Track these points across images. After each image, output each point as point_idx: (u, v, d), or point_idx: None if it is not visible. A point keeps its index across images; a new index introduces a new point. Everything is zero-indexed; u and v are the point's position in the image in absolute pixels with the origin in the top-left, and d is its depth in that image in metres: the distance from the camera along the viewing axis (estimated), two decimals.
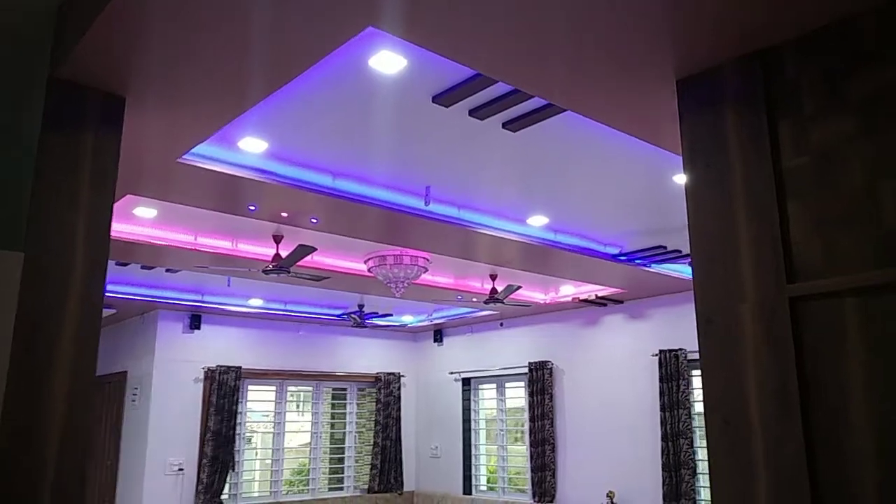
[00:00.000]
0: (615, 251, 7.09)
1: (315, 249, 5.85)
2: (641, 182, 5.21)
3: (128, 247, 6.16)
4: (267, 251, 6.63)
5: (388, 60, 3.43)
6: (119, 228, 5.98)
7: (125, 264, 7.20)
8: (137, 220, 5.88)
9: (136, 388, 9.60)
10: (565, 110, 3.91)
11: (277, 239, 6.38)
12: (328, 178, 5.07)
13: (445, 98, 3.72)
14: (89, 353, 3.01)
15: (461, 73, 3.59)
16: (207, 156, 4.49)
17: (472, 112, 3.89)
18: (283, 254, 6.27)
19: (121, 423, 9.80)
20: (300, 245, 5.80)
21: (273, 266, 6.30)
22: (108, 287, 8.44)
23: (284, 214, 5.41)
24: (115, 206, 5.58)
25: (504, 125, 4.06)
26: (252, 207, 5.23)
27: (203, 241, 6.52)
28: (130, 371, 9.86)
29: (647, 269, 7.39)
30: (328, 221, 5.61)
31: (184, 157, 4.33)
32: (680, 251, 6.87)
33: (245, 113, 3.98)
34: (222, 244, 6.65)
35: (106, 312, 9.14)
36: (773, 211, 2.89)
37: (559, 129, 4.35)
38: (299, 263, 6.85)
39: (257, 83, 3.36)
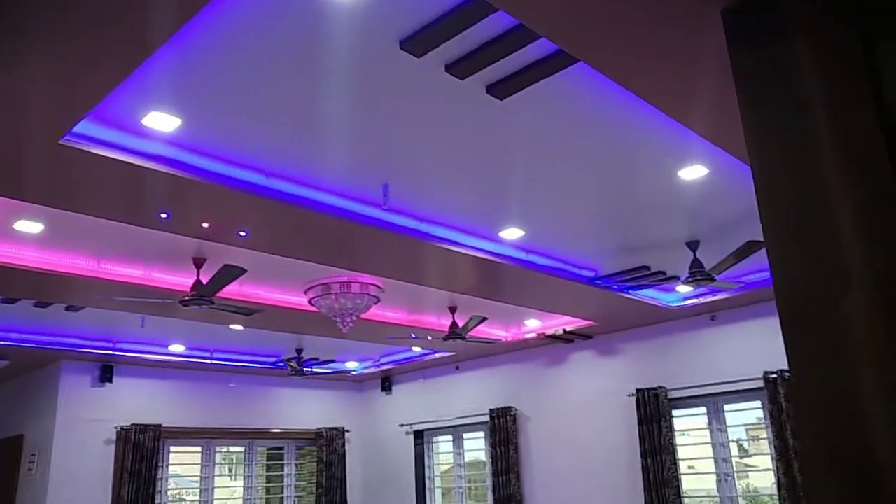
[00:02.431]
0: (590, 275, 6.27)
1: (244, 271, 4.82)
2: (636, 180, 4.42)
3: (8, 274, 4.98)
4: (187, 280, 5.53)
5: None
6: None
7: (13, 301, 5.97)
8: (19, 237, 4.74)
9: (33, 455, 8.16)
10: (560, 69, 3.09)
11: (199, 262, 5.32)
12: (259, 177, 4.09)
13: (415, 42, 2.84)
14: None
15: (436, 8, 2.72)
16: (102, 139, 3.47)
17: (450, 67, 3.02)
18: (206, 281, 5.19)
19: (13, 497, 8.29)
20: (226, 265, 4.77)
21: (193, 295, 5.21)
22: None
23: (206, 225, 4.38)
24: None
25: (489, 89, 3.20)
26: (164, 215, 4.19)
27: (108, 267, 5.39)
28: (28, 434, 8.42)
29: (623, 295, 6.59)
30: (260, 235, 4.61)
31: (68, 137, 3.32)
32: (664, 272, 6.09)
33: (149, 74, 3.04)
34: (132, 272, 5.53)
35: None
36: (882, 162, 2.12)
37: (544, 115, 3.54)
38: (226, 294, 5.78)
39: (162, 12, 2.42)
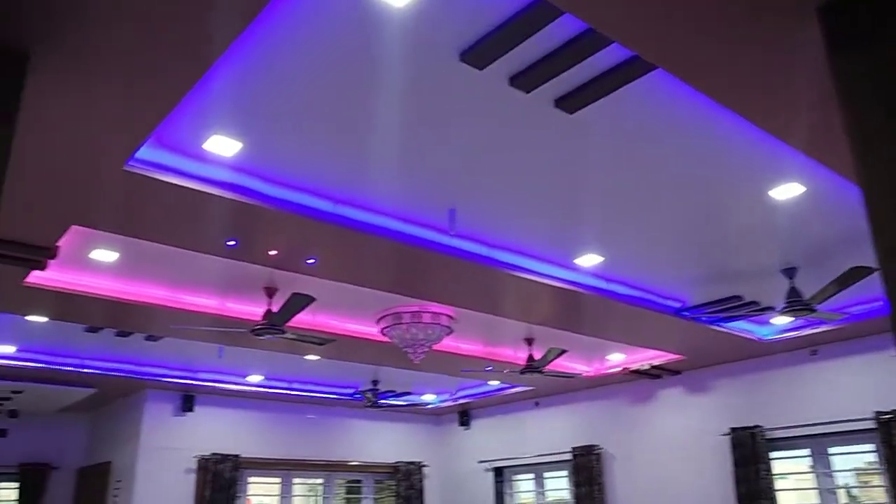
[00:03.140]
0: (677, 305, 5.88)
1: (313, 299, 4.73)
2: (724, 201, 4.07)
3: (87, 302, 5.07)
4: (259, 310, 5.50)
5: None
6: (73, 280, 4.92)
7: (96, 330, 6.10)
8: (96, 267, 4.82)
9: (119, 481, 8.32)
10: (635, 78, 2.85)
11: (270, 292, 5.28)
12: (325, 203, 4.00)
13: (476, 53, 2.67)
14: None
15: (496, 15, 2.55)
16: (165, 165, 3.45)
17: (515, 79, 2.83)
18: (277, 309, 5.14)
19: None
20: (294, 294, 4.69)
21: (264, 324, 5.17)
22: (85, 362, 7.34)
23: (273, 253, 4.32)
24: (66, 249, 4.58)
25: (557, 102, 2.99)
26: (231, 243, 4.16)
27: (183, 297, 5.43)
28: (115, 461, 8.60)
29: (714, 328, 6.14)
30: (328, 262, 4.51)
31: (132, 162, 3.31)
32: (758, 303, 5.63)
33: (209, 97, 3.00)
34: (206, 301, 5.55)
35: (83, 392, 8.00)
36: None
37: (619, 130, 3.29)
38: (299, 323, 5.72)
39: (220, 23, 2.35)
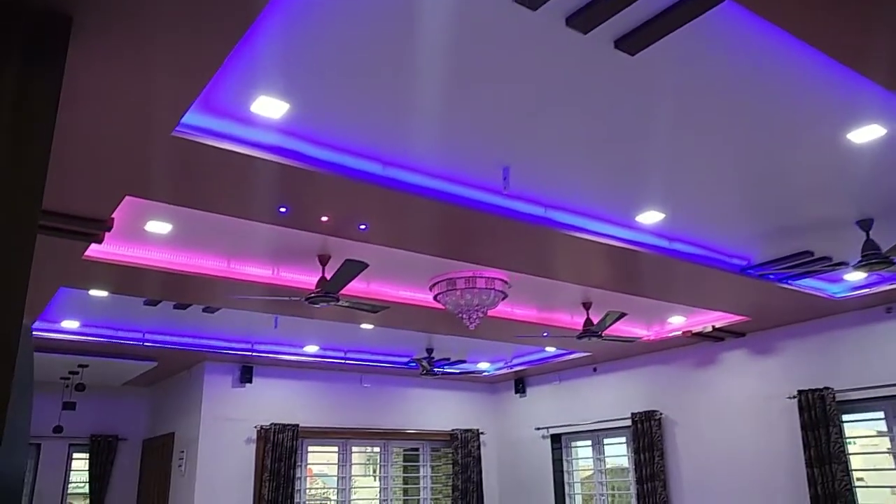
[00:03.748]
0: (742, 263, 5.63)
1: (366, 265, 4.66)
2: (795, 147, 3.82)
3: (143, 275, 5.11)
4: (313, 278, 5.48)
5: None
6: (130, 253, 4.96)
7: (155, 303, 6.18)
8: (151, 239, 4.84)
9: (182, 452, 8.52)
10: (701, 13, 2.64)
11: (324, 259, 5.24)
12: (376, 166, 3.90)
13: None
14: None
15: None
16: (213, 130, 3.39)
17: (571, 19, 2.65)
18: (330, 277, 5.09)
19: (167, 490, 8.69)
20: (347, 260, 4.63)
21: (318, 292, 5.13)
22: (146, 336, 7.48)
23: (325, 219, 4.25)
24: (122, 222, 4.62)
25: (617, 43, 2.80)
26: (283, 209, 4.10)
27: (237, 267, 5.44)
28: (178, 432, 8.80)
29: (782, 286, 5.88)
30: (380, 227, 4.43)
31: (180, 128, 3.26)
32: (830, 258, 5.35)
33: (254, 57, 2.91)
34: (260, 271, 5.54)
35: (145, 366, 8.17)
36: None
37: (683, 73, 3.09)
38: (352, 291, 5.68)
39: None
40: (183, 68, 2.73)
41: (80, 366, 8.01)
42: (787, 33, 2.63)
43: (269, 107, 3.28)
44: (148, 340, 7.52)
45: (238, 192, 3.86)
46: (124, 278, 5.23)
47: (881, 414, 6.57)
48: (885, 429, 6.57)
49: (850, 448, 6.71)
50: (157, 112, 3.06)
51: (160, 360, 8.11)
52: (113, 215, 4.14)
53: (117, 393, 9.60)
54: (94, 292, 5.70)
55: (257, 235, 4.82)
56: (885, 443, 6.58)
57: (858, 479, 6.64)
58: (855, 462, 6.68)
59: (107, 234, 4.34)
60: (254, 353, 8.23)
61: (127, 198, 3.93)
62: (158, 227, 4.61)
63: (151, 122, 3.14)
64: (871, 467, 6.82)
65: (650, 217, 4.66)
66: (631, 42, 2.75)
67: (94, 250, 4.71)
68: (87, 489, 9.30)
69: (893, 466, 6.44)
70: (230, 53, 2.65)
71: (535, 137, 3.70)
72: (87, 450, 9.34)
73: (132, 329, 7.38)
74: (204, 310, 6.45)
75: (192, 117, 3.28)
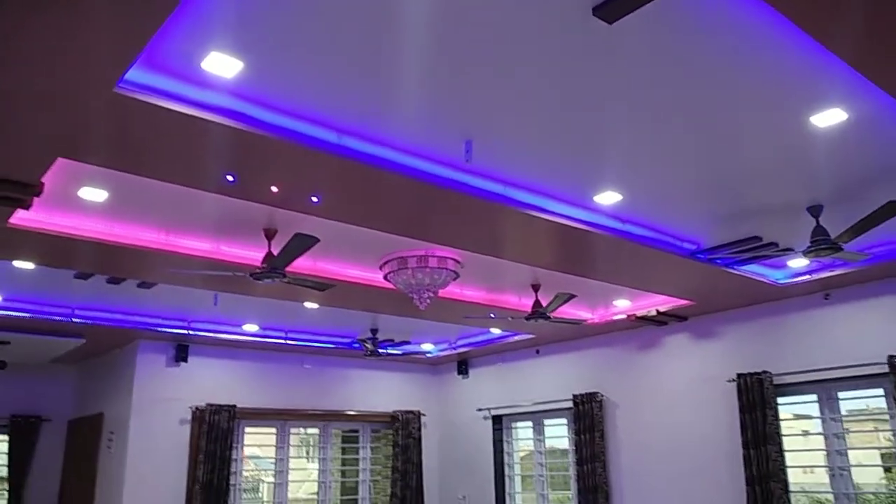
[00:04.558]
0: (691, 247, 5.67)
1: (317, 240, 4.47)
2: (758, 128, 3.81)
3: (75, 246, 4.78)
4: (258, 254, 5.24)
5: None
6: (61, 221, 4.62)
7: (86, 276, 5.82)
8: (84, 207, 4.52)
9: (112, 433, 8.14)
10: None
11: (270, 234, 5.02)
12: (331, 134, 3.71)
13: None
14: None
15: None
16: (159, 88, 3.14)
17: None
18: (277, 252, 4.88)
19: (95, 473, 8.31)
20: (297, 234, 4.42)
21: (264, 268, 4.91)
22: (75, 311, 7.08)
23: (274, 189, 4.04)
24: (53, 188, 4.26)
25: (595, 11, 2.69)
26: (230, 178, 3.87)
27: (177, 240, 5.15)
28: (107, 412, 8.41)
29: (728, 270, 5.95)
30: (333, 200, 4.24)
31: (123, 84, 3.00)
32: (777, 244, 5.43)
33: (207, 11, 2.69)
34: (201, 245, 5.27)
35: (73, 343, 7.75)
36: None
37: (650, 48, 3.02)
38: (299, 269, 5.48)
39: None
40: (128, 17, 2.49)
41: (0, 342, 7.53)
42: (754, 11, 2.58)
43: (222, 65, 3.06)
44: (77, 316, 7.12)
45: (182, 158, 3.62)
46: (53, 249, 4.90)
47: (814, 397, 6.77)
48: (817, 412, 6.77)
49: (788, 430, 6.90)
50: (96, 66, 2.81)
51: (89, 336, 7.70)
52: (43, 179, 3.83)
53: (41, 371, 9.10)
54: (18, 264, 5.32)
55: (200, 206, 4.56)
56: (817, 425, 6.79)
57: (793, 460, 6.83)
58: (792, 443, 6.88)
59: (35, 200, 4.01)
60: (190, 332, 7.91)
61: (59, 160, 3.63)
62: (93, 193, 4.30)
63: (89, 77, 2.88)
64: (802, 448, 7.04)
65: (608, 198, 4.62)
66: (611, 8, 2.64)
67: (20, 217, 4.38)
68: (5, 472, 8.81)
69: (823, 447, 6.66)
70: (180, 2, 2.43)
71: (498, 112, 3.59)
72: (6, 431, 8.84)
73: (60, 304, 6.97)
74: (139, 285, 6.13)
75: (136, 74, 3.03)
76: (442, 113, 3.59)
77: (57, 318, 6.99)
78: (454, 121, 3.66)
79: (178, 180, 3.87)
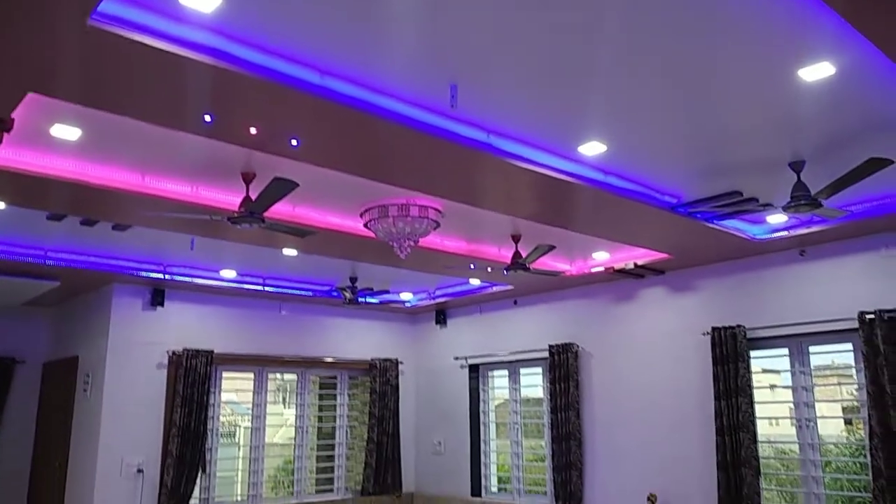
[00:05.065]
0: (672, 201, 5.68)
1: (296, 185, 4.40)
2: (746, 81, 3.78)
3: (47, 185, 4.67)
4: (236, 199, 5.16)
5: None
6: (32, 160, 4.50)
7: (59, 218, 5.70)
8: (57, 145, 4.40)
9: (87, 376, 8.11)
10: None
11: (248, 178, 4.93)
12: (313, 75, 3.61)
13: None
14: None
15: None
16: (135, 21, 3.02)
17: None
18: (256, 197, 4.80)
19: (71, 417, 8.30)
20: (276, 178, 4.35)
21: (242, 212, 4.84)
22: (49, 253, 6.96)
23: (253, 131, 3.95)
24: (24, 124, 4.13)
25: None
26: (207, 118, 3.77)
27: (153, 182, 5.04)
28: (82, 356, 8.37)
29: (707, 224, 5.98)
30: (313, 143, 4.16)
31: (97, 16, 2.88)
32: (757, 199, 5.44)
33: None
34: (178, 188, 5.17)
35: (47, 285, 7.65)
36: None
37: (634, 1, 2.95)
38: (278, 215, 5.42)
39: None
40: None
41: None
42: None
43: None
44: (50, 258, 7.01)
45: (158, 96, 3.51)
46: (25, 188, 4.78)
47: (785, 351, 6.91)
48: (786, 366, 6.92)
49: (760, 382, 7.06)
50: None
51: (64, 279, 7.60)
52: (13, 115, 3.71)
53: (15, 314, 8.99)
54: None
55: (177, 148, 4.45)
56: (785, 379, 6.94)
57: (759, 412, 7.00)
58: (762, 395, 7.05)
59: (5, 137, 3.88)
60: (166, 276, 7.83)
61: (30, 96, 3.51)
62: (65, 131, 4.17)
63: (61, 8, 2.75)
64: (770, 400, 7.22)
65: (592, 148, 4.58)
66: None
67: None
68: None
69: (790, 400, 6.83)
70: None
71: (484, 58, 3.51)
72: None
73: (33, 246, 6.85)
74: (114, 227, 6.02)
75: (110, 6, 2.91)
76: (427, 56, 3.50)
77: (30, 259, 6.87)
78: (440, 65, 3.58)
79: (153, 119, 3.76)
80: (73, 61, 3.16)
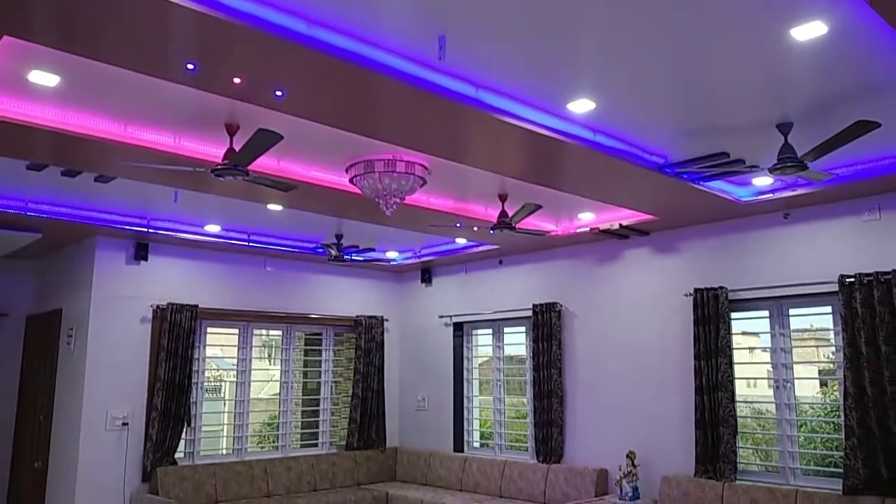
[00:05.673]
0: (659, 161, 5.67)
1: (280, 137, 4.34)
2: (733, 41, 3.74)
3: (26, 134, 4.58)
4: (219, 151, 5.09)
5: None
6: (9, 108, 4.40)
7: (39, 168, 5.61)
8: (36, 92, 4.30)
9: (71, 329, 8.09)
10: None
11: (232, 129, 4.86)
12: (301, 24, 3.54)
13: None
14: None
15: None
16: None
17: None
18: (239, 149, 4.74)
19: (55, 370, 8.30)
20: (260, 129, 4.29)
21: (226, 164, 4.79)
22: (30, 205, 6.87)
23: (237, 81, 3.88)
24: (0, 71, 4.04)
25: None
26: (190, 66, 3.70)
27: (135, 132, 4.96)
28: (65, 309, 8.33)
29: (693, 185, 5.98)
30: (299, 95, 4.10)
31: None
32: (744, 160, 5.45)
33: None
34: (161, 138, 5.09)
35: (29, 237, 7.56)
36: None
37: None
38: (262, 168, 5.37)
39: None
40: None
41: None
42: None
43: None
44: (31, 210, 6.91)
45: (139, 42, 3.42)
46: (2, 137, 4.68)
47: (766, 313, 6.99)
48: (765, 328, 7.01)
49: (739, 343, 7.16)
50: None
51: (46, 231, 7.51)
52: None
53: None
54: None
55: (159, 97, 4.37)
56: (764, 340, 7.05)
57: (737, 373, 7.11)
58: (741, 355, 7.15)
59: None
60: (150, 230, 7.77)
61: (5, 39, 3.42)
62: (44, 78, 4.07)
63: None
64: (749, 361, 7.33)
65: (581, 105, 4.54)
66: None
67: None
68: None
69: (769, 361, 6.94)
70: None
71: (473, 8, 3.44)
72: None
73: (13, 197, 6.75)
74: (96, 179, 5.93)
75: None
76: (416, 6, 3.43)
77: (10, 210, 6.78)
78: (428, 15, 3.51)
79: (135, 67, 3.68)
80: (50, 2, 3.07)
